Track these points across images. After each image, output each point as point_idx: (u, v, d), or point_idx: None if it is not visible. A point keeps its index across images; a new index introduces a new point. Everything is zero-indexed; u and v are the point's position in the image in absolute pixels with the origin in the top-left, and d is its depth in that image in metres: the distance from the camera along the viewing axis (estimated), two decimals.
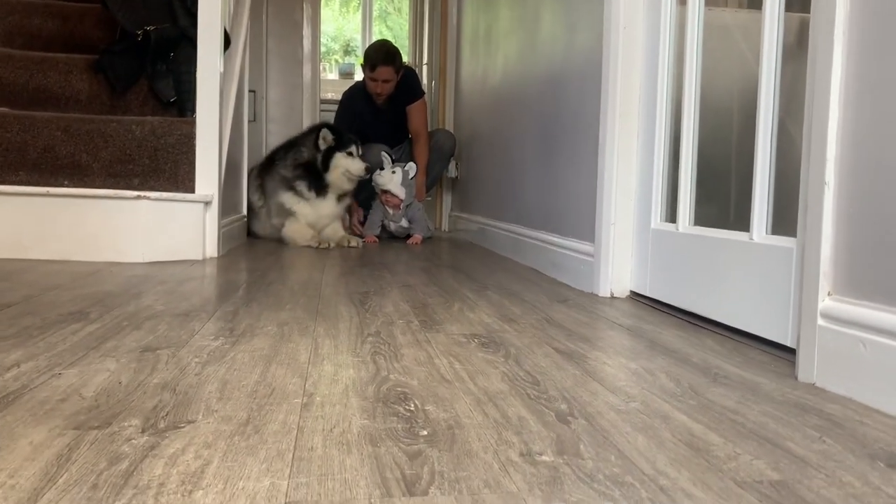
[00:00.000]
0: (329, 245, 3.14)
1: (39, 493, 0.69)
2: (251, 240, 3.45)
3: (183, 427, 0.87)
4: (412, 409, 0.97)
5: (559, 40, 2.48)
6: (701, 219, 1.71)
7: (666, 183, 1.85)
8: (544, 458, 0.81)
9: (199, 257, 2.55)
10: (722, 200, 1.83)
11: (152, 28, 2.75)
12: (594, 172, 2.05)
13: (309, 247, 3.16)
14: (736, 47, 1.96)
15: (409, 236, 3.67)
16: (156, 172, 2.58)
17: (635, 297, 1.95)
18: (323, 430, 0.88)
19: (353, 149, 3.33)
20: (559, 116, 2.45)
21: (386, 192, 3.54)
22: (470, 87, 4.11)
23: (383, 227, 3.68)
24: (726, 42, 1.96)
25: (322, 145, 3.29)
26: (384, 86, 3.78)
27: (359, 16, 9.24)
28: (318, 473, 0.75)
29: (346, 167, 3.29)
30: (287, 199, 3.30)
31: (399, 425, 0.90)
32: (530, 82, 2.83)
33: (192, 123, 2.59)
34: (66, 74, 2.77)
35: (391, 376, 1.13)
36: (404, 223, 3.65)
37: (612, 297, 1.97)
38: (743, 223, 1.49)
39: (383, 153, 3.59)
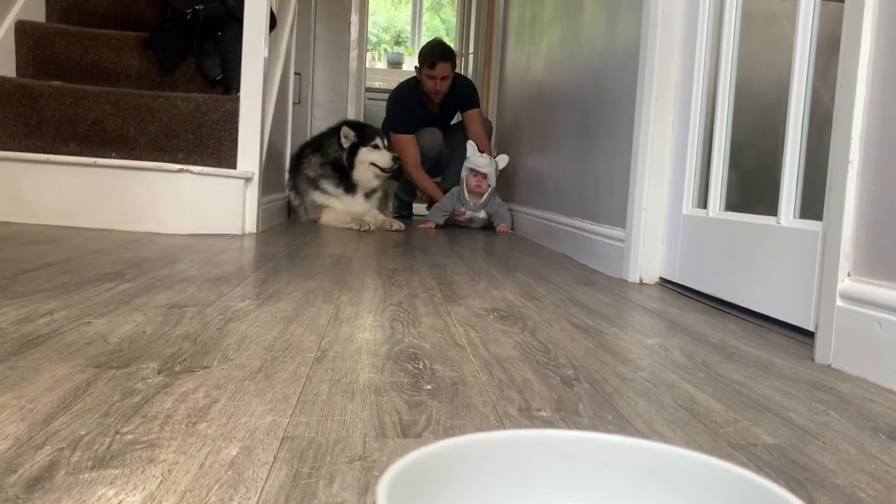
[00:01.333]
0: (370, 228, 3.17)
1: (54, 417, 0.72)
2: (292, 220, 3.51)
3: (197, 371, 0.91)
4: (420, 367, 0.99)
5: (600, 28, 2.47)
6: (733, 205, 1.69)
7: (699, 169, 1.83)
8: (542, 413, 0.82)
9: (238, 232, 2.61)
10: (755, 186, 1.80)
11: (201, 7, 2.81)
12: (628, 158, 2.04)
13: (350, 229, 3.20)
14: (772, 34, 1.93)
15: (483, 226, 3.68)
16: (199, 148, 2.64)
17: (665, 283, 1.94)
18: (331, 380, 0.91)
19: (377, 141, 3.33)
20: (598, 104, 2.44)
21: (481, 175, 3.50)
22: (514, 76, 4.11)
23: (452, 215, 3.64)
24: (763, 29, 1.94)
25: (345, 143, 3.31)
26: (443, 83, 3.81)
27: (409, 7, 9.29)
28: (318, 415, 0.77)
29: (372, 160, 3.31)
30: (317, 197, 3.36)
31: (405, 380, 0.92)
32: (571, 71, 2.82)
33: (236, 101, 2.65)
34: (118, 51, 2.86)
35: (405, 339, 1.15)
36: (482, 214, 3.62)
37: (641, 283, 1.96)
38: (773, 208, 1.47)
39: (470, 142, 3.59)
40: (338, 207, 3.36)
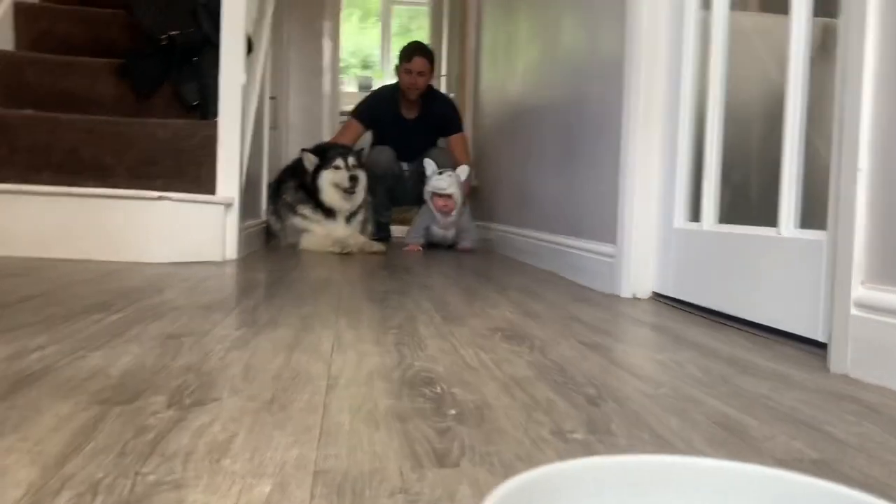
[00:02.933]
0: (352, 251, 3.13)
1: (66, 459, 0.68)
2: (271, 245, 3.45)
3: (208, 404, 0.87)
4: (439, 391, 0.96)
5: (581, 44, 2.48)
6: (726, 216, 1.69)
7: (688, 182, 1.83)
8: (576, 436, 0.79)
9: (219, 258, 2.55)
10: (748, 197, 1.81)
11: (177, 33, 2.77)
12: (616, 174, 2.04)
13: (331, 253, 3.15)
14: (760, 43, 1.95)
15: (452, 245, 3.61)
16: (179, 174, 2.59)
17: (658, 298, 1.93)
18: (350, 408, 0.87)
19: (338, 161, 3.27)
20: (581, 121, 2.44)
21: (446, 196, 3.41)
22: (490, 96, 4.11)
23: (426, 233, 3.56)
24: (751, 39, 1.95)
25: (309, 167, 3.28)
26: (419, 79, 3.80)
27: (377, 31, 9.32)
28: (346, 446, 0.74)
29: (333, 181, 3.26)
30: (297, 222, 3.32)
31: (426, 405, 0.89)
32: (552, 89, 2.82)
33: (215, 126, 2.60)
34: (91, 78, 2.80)
35: (416, 363, 1.11)
36: (452, 232, 3.55)
37: (635, 298, 1.94)
38: (770, 219, 1.47)
39: (427, 160, 3.54)
40: (318, 232, 3.31)
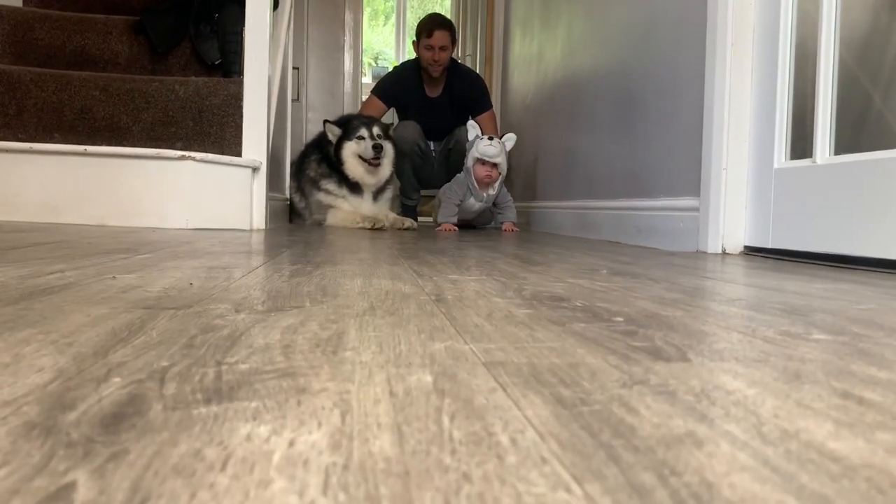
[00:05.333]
0: (383, 226, 2.90)
1: (109, 350, 0.46)
2: (296, 223, 3.23)
3: (289, 310, 0.64)
4: (579, 305, 0.73)
5: None
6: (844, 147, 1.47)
7: (790, 118, 1.61)
8: (817, 336, 0.57)
9: (246, 227, 2.34)
10: (857, 126, 1.58)
11: None
12: (697, 120, 1.82)
13: (361, 229, 2.91)
14: None
15: (483, 224, 3.35)
16: (200, 136, 2.38)
17: (751, 252, 1.70)
18: (478, 315, 0.65)
19: (363, 132, 3.05)
20: (645, 71, 2.21)
21: (491, 164, 3.04)
22: (521, 69, 3.90)
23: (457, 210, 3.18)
24: None
25: (332, 139, 3.07)
26: (441, 53, 3.50)
27: (387, 29, 9.15)
28: (507, 342, 0.52)
29: (357, 152, 3.03)
30: (322, 197, 3.10)
31: (576, 314, 0.67)
32: (603, 44, 2.60)
33: (240, 84, 2.39)
34: (105, 36, 2.59)
35: (526, 287, 0.89)
36: (487, 207, 3.21)
37: (724, 254, 1.72)
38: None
39: (471, 122, 3.24)
40: (344, 208, 3.09)
